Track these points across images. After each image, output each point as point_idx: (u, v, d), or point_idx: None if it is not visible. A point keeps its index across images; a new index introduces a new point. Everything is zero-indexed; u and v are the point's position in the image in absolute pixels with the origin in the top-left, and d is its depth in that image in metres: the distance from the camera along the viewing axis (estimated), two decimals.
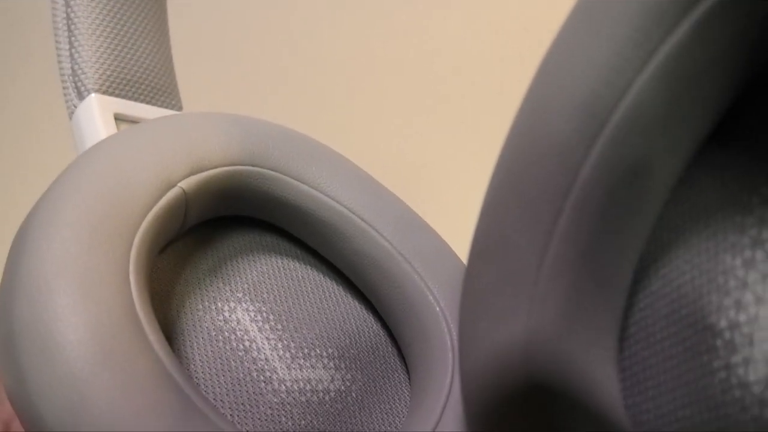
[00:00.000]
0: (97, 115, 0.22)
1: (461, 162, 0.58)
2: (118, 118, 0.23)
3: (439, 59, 0.58)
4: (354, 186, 0.20)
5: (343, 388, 0.18)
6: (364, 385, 0.18)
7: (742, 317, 0.10)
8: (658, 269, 0.11)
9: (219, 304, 0.17)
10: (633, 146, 0.10)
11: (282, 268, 0.19)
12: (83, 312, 0.12)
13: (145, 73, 0.24)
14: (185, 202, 0.17)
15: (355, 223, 0.19)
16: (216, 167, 0.17)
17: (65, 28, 0.24)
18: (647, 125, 0.10)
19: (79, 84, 0.23)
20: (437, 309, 0.18)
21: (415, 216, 0.21)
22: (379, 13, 0.59)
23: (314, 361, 0.18)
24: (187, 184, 0.16)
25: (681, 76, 0.10)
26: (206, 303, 0.17)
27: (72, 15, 0.24)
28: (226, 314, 0.17)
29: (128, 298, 0.13)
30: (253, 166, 0.18)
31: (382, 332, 0.20)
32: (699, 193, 0.11)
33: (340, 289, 0.20)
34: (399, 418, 0.19)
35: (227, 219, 0.19)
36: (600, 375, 0.11)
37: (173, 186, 0.16)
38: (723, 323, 0.10)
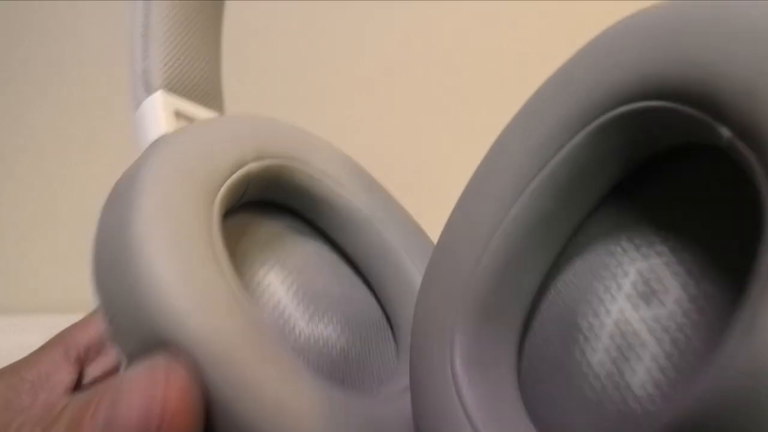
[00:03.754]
0: (161, 109, 0.27)
1: (459, 162, 0.61)
2: (177, 114, 0.28)
3: (439, 61, 0.62)
4: (370, 189, 0.26)
5: (346, 347, 0.23)
6: (361, 349, 0.24)
7: (595, 322, 0.15)
8: (556, 284, 0.17)
9: (256, 267, 0.22)
10: (546, 201, 0.16)
11: (306, 249, 0.25)
12: (178, 247, 0.17)
13: (202, 78, 0.29)
14: (248, 181, 0.22)
15: (372, 222, 0.25)
16: (274, 158, 0.23)
17: (142, 32, 0.28)
18: (555, 190, 0.16)
19: (148, 80, 0.28)
20: None
21: (416, 224, 0.27)
22: (385, 18, 0.62)
23: (326, 322, 0.23)
24: (253, 166, 0.22)
25: (585, 160, 0.15)
26: (246, 267, 0.22)
27: (151, 22, 0.28)
28: (261, 276, 0.22)
29: (210, 241, 0.18)
30: (299, 163, 0.24)
31: (379, 313, 0.25)
32: (586, 238, 0.16)
33: (350, 273, 0.26)
34: (385, 378, 0.24)
35: (266, 203, 0.25)
36: (502, 351, 0.16)
37: (244, 166, 0.21)
38: (584, 324, 0.16)
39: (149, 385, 0.16)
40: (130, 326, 0.17)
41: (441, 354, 0.16)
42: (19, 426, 0.20)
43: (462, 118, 0.63)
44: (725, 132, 0.11)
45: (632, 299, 0.15)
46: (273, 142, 0.23)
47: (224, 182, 0.20)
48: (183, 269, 0.17)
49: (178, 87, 0.28)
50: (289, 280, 0.23)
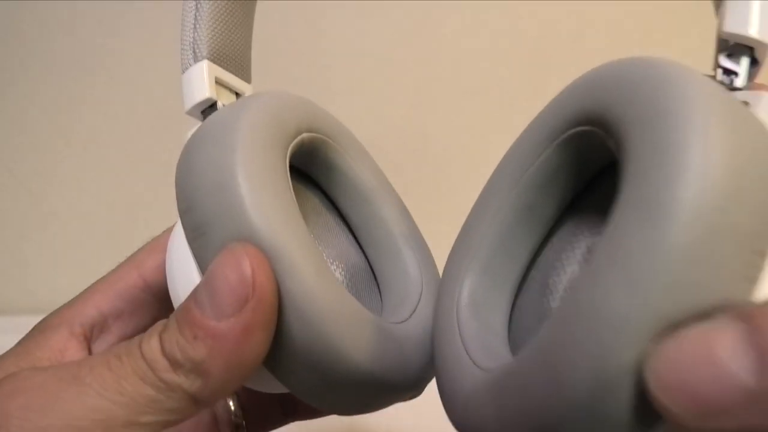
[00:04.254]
0: (206, 75, 0.31)
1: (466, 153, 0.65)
2: (217, 80, 0.33)
3: (442, 59, 0.65)
4: (376, 172, 0.32)
5: (348, 288, 0.29)
6: (356, 293, 0.30)
7: (557, 279, 0.23)
8: (541, 258, 0.24)
9: None
10: (531, 196, 0.23)
11: (322, 212, 0.31)
12: (266, 179, 0.22)
13: (238, 53, 0.34)
14: (301, 145, 0.27)
15: (374, 199, 0.31)
16: (318, 133, 0.28)
17: (194, 9, 0.33)
18: (536, 187, 0.23)
19: (196, 50, 0.32)
20: (415, 261, 0.30)
21: (403, 204, 0.33)
22: (385, 15, 0.64)
23: (335, 266, 0.29)
24: (305, 136, 0.27)
25: (554, 166, 0.23)
26: None
27: (200, 3, 0.33)
28: None
29: (286, 178, 0.23)
30: (333, 141, 0.29)
31: (369, 271, 0.32)
32: (562, 226, 0.24)
33: (350, 237, 0.32)
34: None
35: (298, 171, 0.31)
36: (496, 301, 0.24)
37: (301, 134, 0.26)
38: (551, 282, 0.23)
39: (234, 257, 0.20)
40: (222, 234, 0.21)
41: (452, 295, 0.23)
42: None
43: (461, 115, 0.66)
44: (612, 144, 0.19)
45: (580, 263, 0.22)
46: (319, 120, 0.29)
47: (291, 141, 0.26)
48: (269, 194, 0.22)
49: (218, 58, 0.33)
50: (311, 230, 0.29)
